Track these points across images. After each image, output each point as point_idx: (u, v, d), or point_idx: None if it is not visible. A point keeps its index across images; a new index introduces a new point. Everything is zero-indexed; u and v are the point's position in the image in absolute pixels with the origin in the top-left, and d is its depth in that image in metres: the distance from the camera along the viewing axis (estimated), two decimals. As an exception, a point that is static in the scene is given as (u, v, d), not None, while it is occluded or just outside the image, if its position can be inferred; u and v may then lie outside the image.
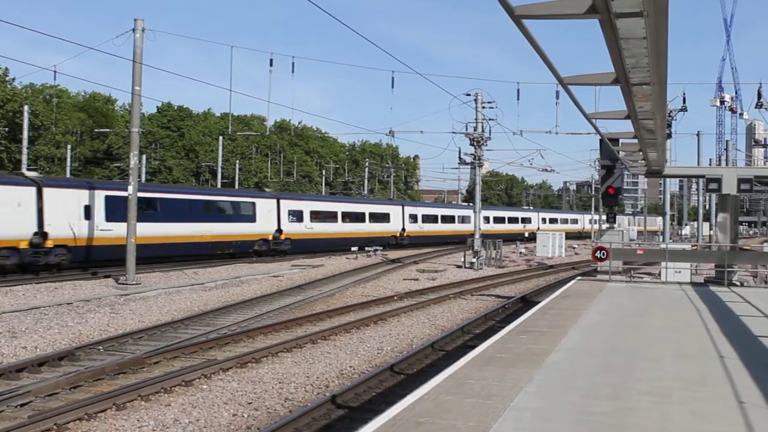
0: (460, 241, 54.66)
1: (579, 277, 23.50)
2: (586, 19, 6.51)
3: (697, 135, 44.24)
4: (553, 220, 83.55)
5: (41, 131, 61.97)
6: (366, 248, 43.24)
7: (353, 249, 43.19)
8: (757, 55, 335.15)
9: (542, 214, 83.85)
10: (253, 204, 39.29)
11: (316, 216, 44.84)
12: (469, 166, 42.68)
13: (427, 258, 42.67)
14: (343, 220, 48.00)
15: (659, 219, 77.34)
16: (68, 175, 56.22)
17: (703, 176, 26.12)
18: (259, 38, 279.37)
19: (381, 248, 43.73)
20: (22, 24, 57.60)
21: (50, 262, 26.88)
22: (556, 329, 11.24)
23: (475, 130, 36.78)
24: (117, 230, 28.00)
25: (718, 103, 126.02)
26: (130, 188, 24.88)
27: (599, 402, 6.83)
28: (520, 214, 79.28)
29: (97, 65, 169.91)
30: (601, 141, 19.52)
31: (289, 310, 20.29)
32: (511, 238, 60.71)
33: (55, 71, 26.65)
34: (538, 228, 73.19)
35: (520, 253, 51.34)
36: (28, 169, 42.74)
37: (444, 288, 26.23)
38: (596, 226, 58.47)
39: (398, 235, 54.39)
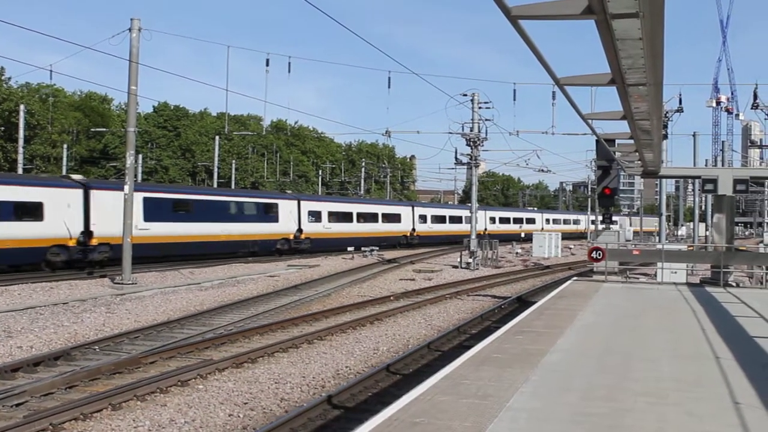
0: None
1: (575, 278, 23.50)
2: (582, 20, 6.52)
3: (693, 136, 44.39)
4: (556, 221, 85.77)
5: (37, 131, 61.77)
6: (362, 248, 43.46)
7: (349, 249, 43.80)
8: (753, 56, 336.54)
9: (546, 215, 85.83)
10: (276, 205, 41.54)
11: (334, 216, 47.04)
12: (465, 167, 42.79)
13: (424, 258, 42.69)
14: (358, 221, 50.01)
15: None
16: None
17: (699, 177, 26.14)
18: (256, 38, 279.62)
19: (377, 248, 44.00)
20: (18, 23, 57.63)
21: (94, 259, 28.51)
22: (553, 330, 11.24)
23: (471, 130, 36.78)
24: (153, 229, 31.25)
25: (714, 104, 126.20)
26: (126, 188, 24.88)
27: (595, 403, 6.83)
28: (525, 215, 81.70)
29: (93, 65, 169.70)
30: (598, 141, 19.55)
31: (285, 310, 20.28)
32: (516, 239, 63.63)
33: (51, 71, 26.66)
34: (542, 228, 74.60)
35: (517, 253, 51.40)
36: (26, 169, 42.91)
37: (440, 288, 26.23)
38: (601, 226, 58.94)
39: (409, 234, 56.35)
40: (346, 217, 48.83)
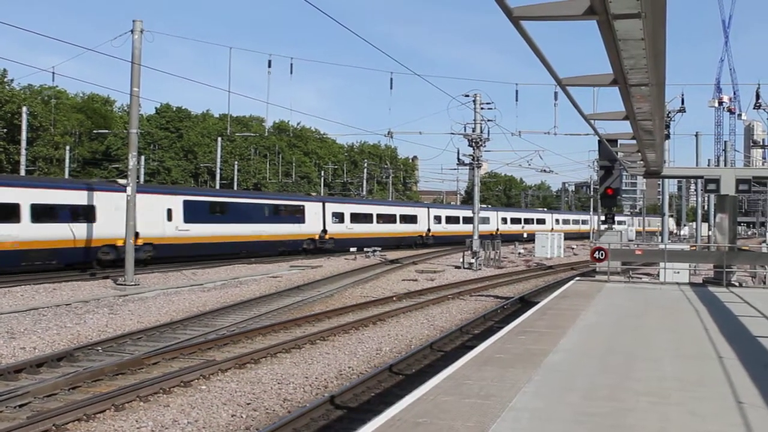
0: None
1: (578, 278, 23.50)
2: (584, 21, 6.52)
3: (696, 136, 44.32)
4: (566, 221, 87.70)
5: (40, 132, 61.93)
6: (365, 249, 43.63)
7: (351, 249, 44.16)
8: (756, 56, 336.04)
9: (556, 215, 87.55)
10: (303, 207, 43.85)
11: (355, 218, 49.51)
12: (467, 167, 42.79)
13: (426, 259, 42.70)
14: (378, 222, 52.29)
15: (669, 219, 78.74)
16: (66, 176, 56.44)
17: (701, 177, 26.16)
18: (258, 39, 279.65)
19: (380, 249, 44.18)
20: (20, 25, 57.45)
21: (140, 258, 29.15)
22: (555, 330, 11.24)
23: (473, 131, 36.77)
24: (193, 230, 33.80)
25: (716, 104, 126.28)
26: (129, 189, 24.90)
27: (598, 402, 6.83)
28: (535, 216, 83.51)
29: (95, 66, 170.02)
30: (600, 142, 19.54)
31: (287, 310, 20.29)
32: (528, 239, 65.02)
33: (53, 72, 27.09)
34: (552, 228, 75.68)
35: (519, 253, 51.35)
36: (28, 171, 43.20)
37: (443, 288, 26.22)
38: (603, 226, 59.44)
39: (424, 234, 58.74)
40: (366, 218, 51.16)
